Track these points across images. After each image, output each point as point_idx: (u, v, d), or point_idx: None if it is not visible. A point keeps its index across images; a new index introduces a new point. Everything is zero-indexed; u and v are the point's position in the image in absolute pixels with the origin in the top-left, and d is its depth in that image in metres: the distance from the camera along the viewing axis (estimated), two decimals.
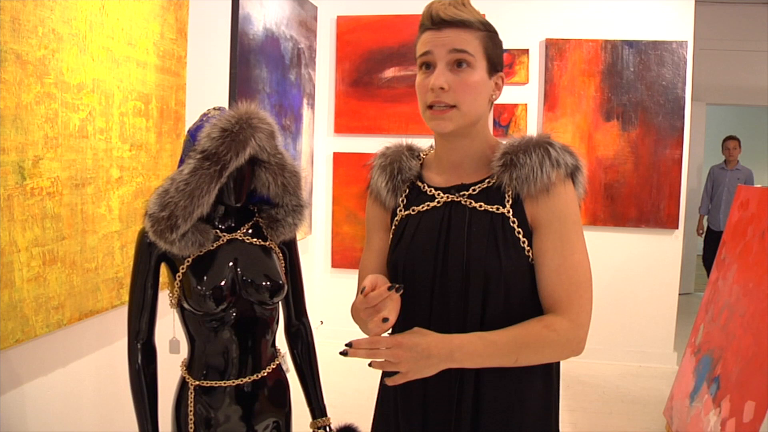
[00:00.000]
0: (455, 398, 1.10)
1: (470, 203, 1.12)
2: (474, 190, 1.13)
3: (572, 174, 1.11)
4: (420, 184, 1.19)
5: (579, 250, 1.08)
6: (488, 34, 1.10)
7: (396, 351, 0.97)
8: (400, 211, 1.19)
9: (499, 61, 1.13)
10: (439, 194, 1.15)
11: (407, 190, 1.20)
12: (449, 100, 1.07)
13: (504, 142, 1.15)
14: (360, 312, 1.03)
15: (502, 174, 1.10)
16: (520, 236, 1.08)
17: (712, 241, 5.93)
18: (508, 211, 1.09)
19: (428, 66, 1.09)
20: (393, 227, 1.20)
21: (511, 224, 1.09)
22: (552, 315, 1.06)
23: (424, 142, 1.28)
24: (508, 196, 1.10)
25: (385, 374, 1.07)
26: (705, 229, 6.15)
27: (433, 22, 1.08)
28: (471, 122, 1.11)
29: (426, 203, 1.16)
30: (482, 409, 1.10)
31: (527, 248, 1.09)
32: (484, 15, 1.13)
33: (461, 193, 1.13)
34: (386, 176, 1.21)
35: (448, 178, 1.16)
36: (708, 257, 5.88)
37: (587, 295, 1.08)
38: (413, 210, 1.17)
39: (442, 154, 1.18)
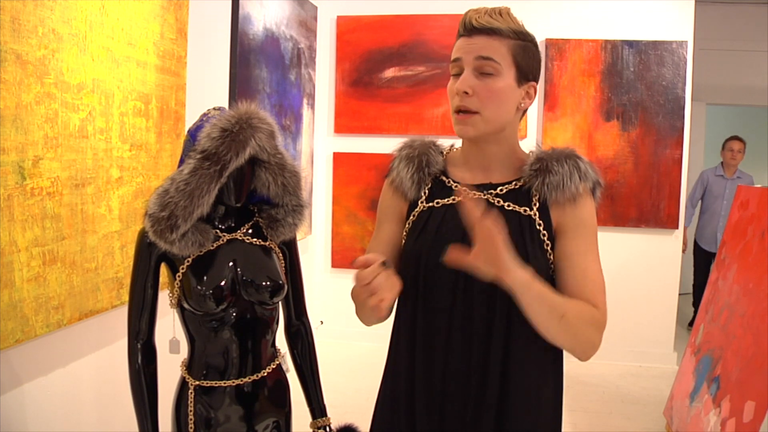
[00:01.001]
0: (476, 387, 1.11)
1: (498, 202, 1.14)
2: (501, 190, 1.15)
3: (593, 188, 1.16)
4: (444, 178, 1.20)
5: (598, 260, 1.14)
6: (521, 43, 1.12)
7: (494, 234, 0.96)
8: (422, 203, 1.20)
9: (530, 70, 1.15)
10: (465, 189, 1.16)
11: (430, 184, 1.21)
12: (472, 105, 1.10)
13: (530, 151, 1.18)
14: (356, 293, 1.02)
15: (533, 178, 1.13)
16: (545, 239, 1.12)
17: (704, 264, 4.83)
18: (535, 214, 1.12)
19: (458, 73, 1.13)
20: (412, 218, 1.20)
21: (538, 226, 1.12)
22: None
23: (445, 142, 1.30)
24: (536, 200, 1.13)
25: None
26: (693, 246, 4.96)
27: (465, 29, 1.12)
28: (495, 129, 1.13)
29: (451, 197, 1.17)
30: (507, 401, 1.10)
31: (550, 251, 1.12)
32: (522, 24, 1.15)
33: (489, 191, 1.15)
34: (413, 167, 1.21)
35: (475, 176, 1.18)
36: (700, 282, 4.78)
37: (605, 298, 1.12)
38: (437, 202, 1.18)
39: (470, 157, 1.20)
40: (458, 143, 1.25)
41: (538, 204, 1.13)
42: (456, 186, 1.17)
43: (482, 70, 1.10)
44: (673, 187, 4.14)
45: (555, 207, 1.13)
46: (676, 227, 4.16)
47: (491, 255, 0.97)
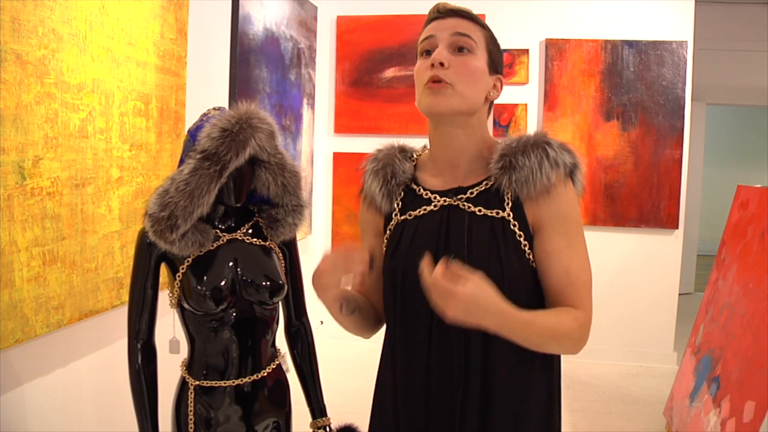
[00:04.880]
0: (458, 401, 1.09)
1: (469, 207, 1.09)
2: (472, 193, 1.11)
3: (571, 172, 1.10)
4: (415, 186, 1.16)
5: (583, 250, 1.09)
6: (490, 34, 1.13)
7: (456, 289, 0.91)
8: (396, 215, 1.16)
9: (499, 62, 1.14)
10: (436, 198, 1.13)
11: (402, 194, 1.17)
12: (447, 77, 1.06)
13: (500, 141, 1.13)
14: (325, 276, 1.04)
15: (500, 177, 1.08)
16: (521, 239, 1.07)
17: None
18: (508, 215, 1.07)
19: (429, 53, 1.10)
20: (388, 232, 1.17)
21: (512, 228, 1.07)
22: (574, 309, 1.06)
23: (416, 143, 1.26)
24: (508, 198, 1.08)
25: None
26: None
27: (439, 11, 1.10)
28: (466, 109, 1.09)
29: (423, 207, 1.13)
30: (490, 412, 1.09)
31: (528, 251, 1.08)
32: (484, 16, 1.15)
33: (459, 197, 1.11)
34: (380, 181, 1.18)
35: (445, 180, 1.14)
36: None
37: (591, 294, 1.09)
38: (410, 215, 1.14)
39: (438, 152, 1.15)
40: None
41: (510, 203, 1.08)
42: (427, 194, 1.14)
43: (458, 45, 1.08)
44: (673, 187, 4.14)
45: (529, 203, 1.07)
46: (676, 227, 4.16)
47: (460, 309, 0.92)
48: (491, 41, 1.13)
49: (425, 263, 0.94)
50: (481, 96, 1.10)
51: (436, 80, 1.06)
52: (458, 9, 1.10)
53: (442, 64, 1.06)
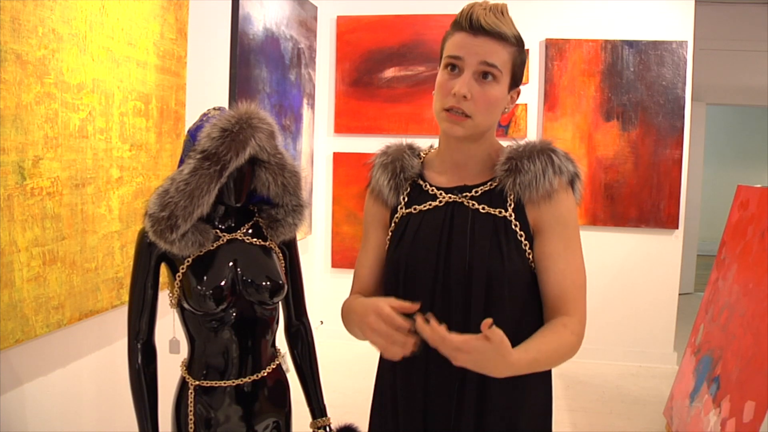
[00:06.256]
0: (455, 399, 1.10)
1: (473, 204, 1.13)
2: (476, 191, 1.14)
3: (572, 181, 1.14)
4: (421, 182, 1.20)
5: (579, 254, 1.13)
6: (518, 49, 1.13)
7: (478, 344, 0.92)
8: (401, 209, 1.20)
9: (521, 77, 1.16)
10: (441, 194, 1.16)
11: (408, 189, 1.21)
12: (467, 109, 1.08)
13: (507, 146, 1.17)
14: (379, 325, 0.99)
15: (505, 178, 1.12)
16: (522, 239, 1.11)
17: None
18: (510, 215, 1.11)
19: (454, 68, 1.10)
20: (393, 225, 1.21)
21: (514, 227, 1.11)
22: (566, 317, 1.09)
23: (423, 142, 1.30)
24: (510, 200, 1.12)
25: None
26: None
27: (472, 26, 1.08)
28: (481, 132, 1.13)
29: (428, 202, 1.17)
30: (486, 411, 1.10)
31: (528, 251, 1.11)
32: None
33: (464, 194, 1.14)
34: (388, 174, 1.22)
35: (450, 178, 1.18)
36: None
37: (585, 298, 1.12)
38: (415, 209, 1.18)
39: (446, 155, 1.19)
40: (437, 143, 1.25)
41: (513, 204, 1.12)
42: (433, 190, 1.16)
43: (484, 72, 1.09)
44: (673, 187, 4.14)
45: (530, 206, 1.11)
46: (676, 227, 4.16)
47: (476, 362, 0.93)
48: (518, 58, 1.12)
49: (421, 323, 0.93)
50: (497, 118, 1.15)
51: (455, 109, 1.09)
52: (491, 28, 1.08)
53: (465, 97, 1.07)
